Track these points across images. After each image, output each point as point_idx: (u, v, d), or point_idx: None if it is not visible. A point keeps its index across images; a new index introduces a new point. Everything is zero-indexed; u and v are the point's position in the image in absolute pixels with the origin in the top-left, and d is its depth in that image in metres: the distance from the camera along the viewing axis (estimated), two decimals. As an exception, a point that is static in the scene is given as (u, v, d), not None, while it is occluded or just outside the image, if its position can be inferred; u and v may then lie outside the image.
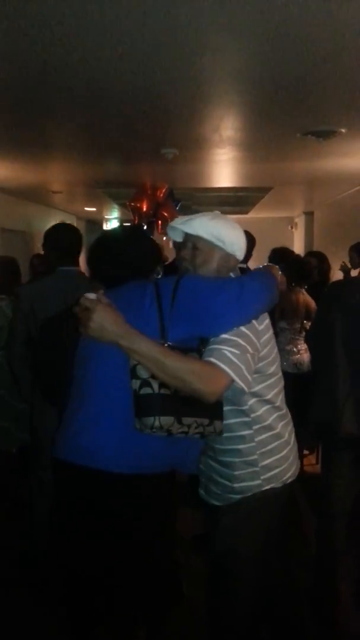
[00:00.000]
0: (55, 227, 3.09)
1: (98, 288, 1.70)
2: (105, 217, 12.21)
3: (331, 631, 2.55)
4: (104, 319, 1.59)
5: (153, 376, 1.60)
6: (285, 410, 1.94)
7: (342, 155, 5.19)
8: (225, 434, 1.76)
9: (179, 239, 1.92)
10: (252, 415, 1.82)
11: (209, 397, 1.61)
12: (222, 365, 1.62)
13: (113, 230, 3.42)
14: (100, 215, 11.74)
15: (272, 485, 1.85)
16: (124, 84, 3.19)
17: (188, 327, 1.67)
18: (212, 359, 1.63)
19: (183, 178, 6.70)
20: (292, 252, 5.14)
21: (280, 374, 1.91)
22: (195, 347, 1.68)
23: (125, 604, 1.90)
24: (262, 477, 1.84)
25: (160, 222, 7.05)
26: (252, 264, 3.50)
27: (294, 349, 4.17)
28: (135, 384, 1.61)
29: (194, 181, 6.99)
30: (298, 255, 5.06)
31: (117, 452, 1.68)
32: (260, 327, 1.76)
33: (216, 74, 3.04)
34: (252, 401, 1.81)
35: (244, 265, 3.35)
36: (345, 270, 5.40)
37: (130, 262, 1.89)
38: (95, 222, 12.83)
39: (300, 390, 3.18)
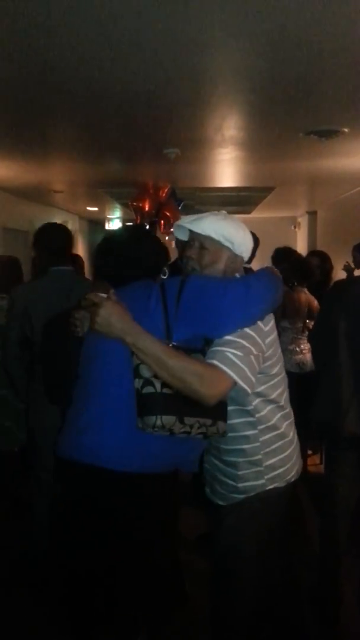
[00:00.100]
0: (46, 228, 3.05)
1: (107, 287, 1.70)
2: (108, 216, 12.18)
3: (333, 631, 2.54)
4: (111, 315, 1.59)
5: (156, 375, 1.60)
6: (289, 409, 1.94)
7: (345, 155, 5.17)
8: (229, 434, 1.76)
9: (185, 237, 1.92)
10: (257, 415, 1.82)
11: (208, 399, 1.61)
12: (224, 368, 1.61)
13: (121, 230, 3.42)
14: (102, 215, 11.71)
15: (275, 484, 1.85)
16: (125, 84, 3.19)
17: (193, 328, 1.67)
18: (215, 362, 1.62)
19: (185, 178, 6.69)
20: (295, 251, 5.14)
21: (284, 373, 1.91)
22: (200, 347, 1.68)
23: (125, 604, 1.90)
24: (266, 477, 1.84)
25: (162, 221, 7.05)
26: (255, 264, 3.50)
27: (297, 349, 4.16)
28: (138, 382, 1.62)
29: (196, 181, 6.97)
30: (300, 255, 5.05)
31: (120, 451, 1.68)
32: (266, 329, 1.76)
33: (218, 73, 3.03)
34: (256, 401, 1.81)
35: (248, 266, 3.34)
36: (348, 269, 5.39)
37: (141, 261, 1.90)
38: (97, 222, 12.81)
39: (303, 390, 3.18)
